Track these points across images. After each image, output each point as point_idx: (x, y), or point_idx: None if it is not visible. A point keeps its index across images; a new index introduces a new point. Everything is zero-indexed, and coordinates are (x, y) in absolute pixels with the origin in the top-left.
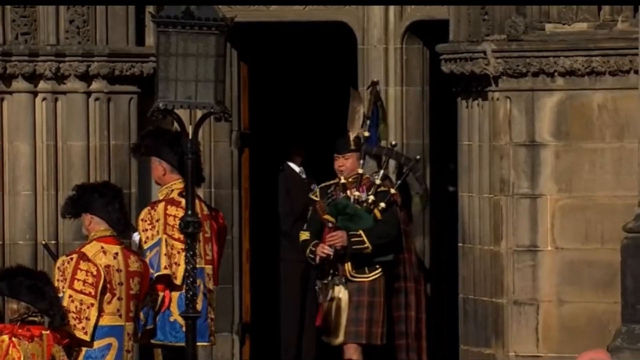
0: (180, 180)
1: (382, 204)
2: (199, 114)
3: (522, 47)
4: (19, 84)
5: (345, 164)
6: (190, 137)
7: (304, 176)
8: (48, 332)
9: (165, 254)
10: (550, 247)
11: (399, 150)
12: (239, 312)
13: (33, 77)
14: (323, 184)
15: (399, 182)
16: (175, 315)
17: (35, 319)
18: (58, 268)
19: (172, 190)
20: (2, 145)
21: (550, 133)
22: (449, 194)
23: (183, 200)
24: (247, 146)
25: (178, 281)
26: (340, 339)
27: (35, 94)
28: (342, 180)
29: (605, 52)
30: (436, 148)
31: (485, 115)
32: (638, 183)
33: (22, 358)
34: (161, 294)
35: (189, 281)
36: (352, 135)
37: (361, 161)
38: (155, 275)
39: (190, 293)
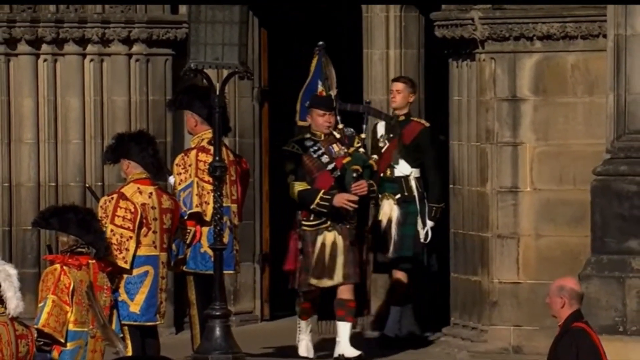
0: (209, 131)
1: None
2: (225, 73)
3: (505, 14)
4: (70, 47)
5: (331, 120)
6: (217, 93)
7: None
8: (94, 261)
9: (196, 194)
10: (529, 188)
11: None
12: (259, 244)
13: (82, 41)
14: (296, 138)
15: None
16: (205, 247)
17: (83, 250)
18: (101, 207)
19: (203, 139)
20: (55, 100)
21: (530, 89)
22: (441, 142)
23: (212, 148)
24: (266, 101)
25: (207, 218)
26: (336, 280)
27: (84, 55)
28: (337, 135)
29: (577, 19)
30: (430, 102)
31: (473, 74)
32: (605, 133)
33: (72, 283)
34: (192, 229)
35: (216, 218)
36: (333, 94)
37: (338, 117)
38: (188, 212)
39: (218, 228)
